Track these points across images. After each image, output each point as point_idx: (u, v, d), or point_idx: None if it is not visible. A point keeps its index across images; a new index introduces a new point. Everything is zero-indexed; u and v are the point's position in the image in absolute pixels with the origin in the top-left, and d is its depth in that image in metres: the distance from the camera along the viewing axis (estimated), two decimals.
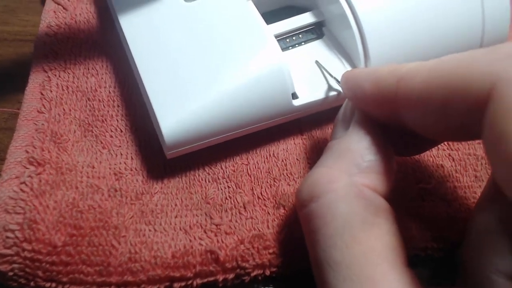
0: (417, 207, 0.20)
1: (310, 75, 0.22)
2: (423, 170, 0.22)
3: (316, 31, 0.23)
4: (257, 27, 0.21)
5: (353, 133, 0.16)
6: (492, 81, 0.12)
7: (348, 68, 0.22)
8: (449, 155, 0.22)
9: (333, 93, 0.21)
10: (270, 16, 0.23)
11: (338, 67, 0.22)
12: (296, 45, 0.23)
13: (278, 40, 0.23)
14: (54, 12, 0.24)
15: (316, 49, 0.23)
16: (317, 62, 0.22)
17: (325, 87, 0.21)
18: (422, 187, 0.21)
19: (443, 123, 0.14)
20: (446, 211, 0.20)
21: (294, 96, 0.21)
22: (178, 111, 0.19)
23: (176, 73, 0.19)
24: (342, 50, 0.22)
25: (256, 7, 0.22)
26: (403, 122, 0.15)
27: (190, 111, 0.19)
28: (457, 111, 0.13)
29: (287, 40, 0.23)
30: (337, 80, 0.20)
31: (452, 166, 0.22)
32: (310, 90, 0.21)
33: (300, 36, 0.23)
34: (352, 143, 0.16)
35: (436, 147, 0.22)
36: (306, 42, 0.23)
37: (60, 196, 0.18)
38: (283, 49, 0.23)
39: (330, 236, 0.14)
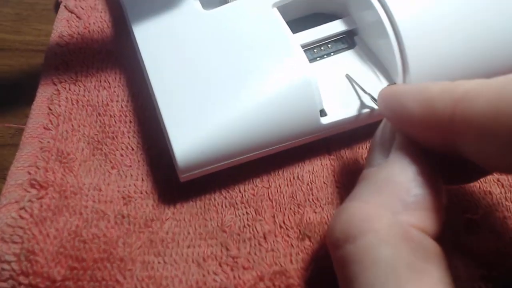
0: (463, 241, 0.18)
1: (340, 89, 0.19)
2: (469, 198, 0.19)
3: (347, 40, 0.21)
4: (282, 37, 0.19)
5: (396, 162, 0.14)
6: None
7: (384, 82, 0.19)
8: (498, 180, 0.19)
9: (366, 110, 0.18)
10: (297, 24, 0.21)
11: (373, 81, 0.20)
12: (325, 56, 0.21)
13: (305, 51, 0.21)
14: (67, 21, 0.23)
15: (347, 60, 0.21)
16: (347, 75, 0.19)
17: (357, 103, 0.19)
18: (468, 217, 0.18)
19: (506, 155, 0.12)
20: (496, 245, 0.18)
21: (323, 113, 0.18)
22: (194, 131, 0.17)
23: (192, 88, 0.18)
24: (377, 62, 0.20)
25: (281, 14, 0.20)
26: (458, 150, 0.13)
27: (207, 130, 0.17)
28: None
29: (315, 50, 0.21)
30: (371, 97, 0.18)
31: (501, 193, 0.19)
32: (340, 107, 0.19)
33: (329, 46, 0.21)
34: (394, 174, 0.14)
35: None
36: (336, 52, 0.21)
37: (62, 223, 0.16)
38: (311, 60, 0.21)
39: (370, 285, 0.12)
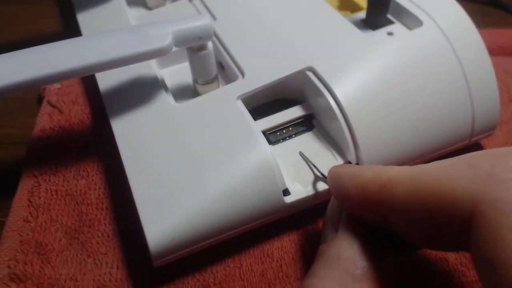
0: None
1: (301, 168, 0.21)
2: (428, 266, 0.20)
3: (306, 123, 0.23)
4: (244, 125, 0.21)
5: (343, 238, 0.16)
6: (474, 202, 0.12)
7: (340, 160, 0.21)
8: None
9: (323, 186, 0.20)
10: (261, 110, 0.24)
11: (330, 160, 0.22)
12: (287, 138, 0.23)
13: (268, 134, 0.23)
14: (49, 115, 0.25)
15: (307, 141, 0.23)
16: (301, 153, 0.21)
17: (317, 181, 0.20)
18: (427, 285, 0.19)
19: (428, 235, 0.13)
20: None
21: (286, 192, 0.20)
22: (165, 217, 0.18)
23: (163, 177, 0.19)
24: (333, 141, 0.22)
25: (245, 104, 0.22)
26: (390, 227, 0.15)
27: (178, 216, 0.18)
28: (440, 226, 0.13)
29: (278, 133, 0.23)
30: (321, 173, 0.20)
31: (456, 258, 0.20)
32: (302, 185, 0.21)
33: (291, 129, 0.23)
34: (343, 249, 0.15)
35: None
36: (297, 134, 0.23)
37: None
38: (274, 142, 0.23)
39: None
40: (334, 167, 0.18)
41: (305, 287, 0.15)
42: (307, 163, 0.21)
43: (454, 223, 0.12)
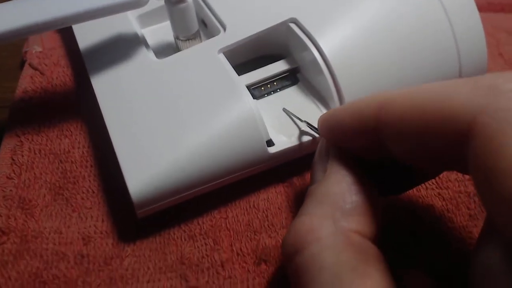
0: (410, 253, 0.19)
1: (285, 121, 0.21)
2: (413, 212, 0.20)
3: (290, 78, 0.23)
4: (227, 79, 0.20)
5: (331, 175, 0.15)
6: (473, 114, 0.11)
7: (324, 111, 0.21)
8: (439, 194, 0.21)
9: (308, 138, 0.20)
10: (246, 67, 0.23)
11: (314, 112, 0.21)
12: (272, 93, 0.23)
13: (253, 89, 0.23)
14: (31, 77, 0.24)
15: (292, 95, 0.23)
16: (284, 109, 0.21)
17: (301, 133, 0.20)
18: (414, 229, 0.19)
19: (425, 153, 0.13)
20: (443, 255, 0.19)
21: (270, 143, 0.20)
22: (146, 167, 0.18)
23: (145, 129, 0.19)
24: (317, 94, 0.22)
25: (228, 59, 0.22)
26: (386, 151, 0.14)
27: (160, 165, 0.18)
28: (437, 142, 0.12)
29: (262, 88, 0.23)
30: (307, 123, 0.20)
31: (443, 205, 0.20)
32: (286, 136, 0.20)
33: (275, 83, 0.23)
34: (332, 186, 0.15)
35: (424, 187, 0.21)
36: (281, 89, 0.23)
37: (23, 266, 0.17)
38: (259, 97, 0.22)
39: None
40: (325, 112, 0.18)
41: (294, 226, 0.15)
42: (290, 117, 0.21)
43: (451, 138, 0.12)
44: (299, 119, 0.20)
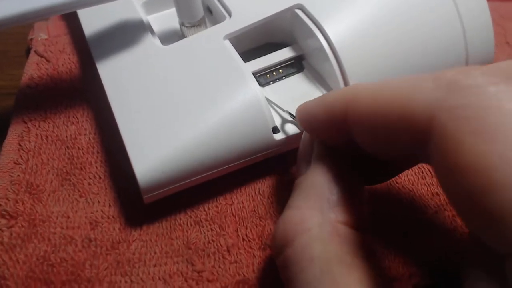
0: (414, 240, 0.19)
1: (292, 108, 0.21)
2: (418, 200, 0.20)
3: (296, 65, 0.23)
4: (233, 65, 0.20)
5: (316, 168, 0.16)
6: (431, 111, 0.11)
7: None
8: (437, 193, 0.21)
9: None
10: (252, 54, 0.23)
11: None
12: (277, 80, 0.23)
13: (258, 76, 0.23)
14: (37, 64, 0.24)
15: (297, 82, 0.23)
16: (267, 99, 0.21)
17: (283, 122, 0.20)
18: (418, 217, 0.20)
19: (392, 148, 0.13)
20: (447, 243, 0.19)
21: (276, 130, 0.20)
22: (153, 153, 0.18)
23: (151, 115, 0.19)
24: (323, 82, 0.22)
25: (234, 46, 0.22)
26: (358, 145, 0.15)
27: (165, 151, 0.18)
28: (401, 139, 0.13)
29: (268, 75, 0.23)
30: (289, 113, 0.20)
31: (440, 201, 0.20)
32: (292, 124, 0.20)
33: (281, 71, 0.23)
34: (317, 178, 0.15)
35: (430, 175, 0.21)
36: (287, 76, 0.23)
37: (31, 250, 0.17)
38: (264, 84, 0.22)
39: (308, 283, 0.13)
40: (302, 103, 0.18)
41: (283, 219, 0.15)
42: (270, 105, 0.21)
43: (413, 135, 0.12)
44: (282, 109, 0.20)
